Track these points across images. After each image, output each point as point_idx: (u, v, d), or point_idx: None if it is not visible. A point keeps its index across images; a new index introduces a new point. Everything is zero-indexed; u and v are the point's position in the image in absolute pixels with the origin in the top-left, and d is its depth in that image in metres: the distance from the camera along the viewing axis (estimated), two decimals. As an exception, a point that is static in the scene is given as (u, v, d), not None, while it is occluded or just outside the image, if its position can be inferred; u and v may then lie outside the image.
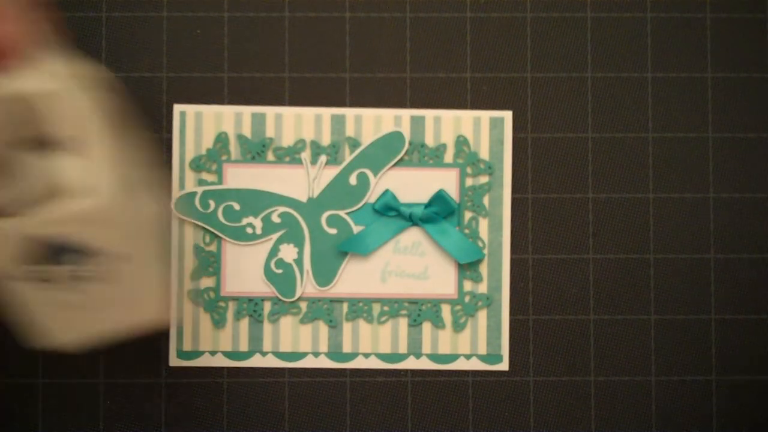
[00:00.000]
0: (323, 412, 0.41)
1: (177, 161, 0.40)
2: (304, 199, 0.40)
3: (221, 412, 0.41)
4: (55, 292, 0.29)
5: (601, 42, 0.42)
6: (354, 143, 0.41)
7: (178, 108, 0.41)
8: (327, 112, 0.41)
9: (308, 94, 0.41)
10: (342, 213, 0.41)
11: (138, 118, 0.41)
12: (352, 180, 0.41)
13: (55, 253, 0.28)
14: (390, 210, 0.40)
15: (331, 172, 0.41)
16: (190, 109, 0.41)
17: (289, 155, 0.41)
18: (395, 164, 0.41)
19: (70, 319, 0.31)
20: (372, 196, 0.41)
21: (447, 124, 0.41)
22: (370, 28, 0.41)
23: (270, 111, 0.41)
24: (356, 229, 0.41)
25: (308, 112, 0.41)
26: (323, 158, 0.41)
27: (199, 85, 0.41)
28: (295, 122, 0.41)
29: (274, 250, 0.40)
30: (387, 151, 0.41)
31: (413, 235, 0.41)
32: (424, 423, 0.41)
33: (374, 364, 0.41)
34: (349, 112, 0.41)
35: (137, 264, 0.30)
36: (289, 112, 0.41)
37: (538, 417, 0.41)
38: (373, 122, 0.41)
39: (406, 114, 0.41)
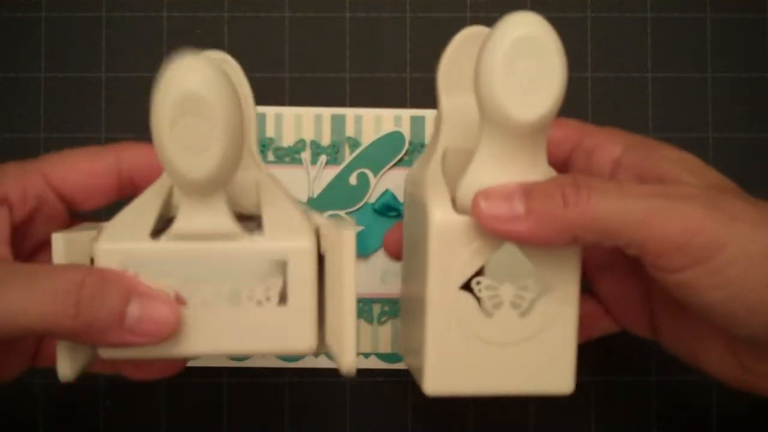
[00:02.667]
0: (323, 412, 0.41)
1: (177, 161, 0.40)
2: (304, 199, 0.40)
3: (221, 412, 0.41)
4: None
5: (601, 42, 0.42)
6: (354, 143, 0.41)
7: (178, 108, 0.41)
8: (327, 112, 0.41)
9: (308, 94, 0.41)
10: (342, 213, 0.41)
11: (138, 118, 0.41)
12: (352, 180, 0.41)
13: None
14: (390, 210, 0.40)
15: (331, 172, 0.41)
16: (190, 109, 0.41)
17: (289, 155, 0.41)
18: (395, 164, 0.41)
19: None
20: (372, 196, 0.41)
21: (447, 124, 0.41)
22: (370, 28, 0.41)
23: (270, 111, 0.41)
24: (356, 229, 0.41)
25: (308, 112, 0.41)
26: (323, 158, 0.41)
27: (199, 85, 0.41)
28: (295, 122, 0.41)
29: (274, 250, 0.40)
30: (387, 151, 0.41)
31: (413, 235, 0.41)
32: (424, 423, 0.41)
33: (374, 364, 0.41)
34: (349, 112, 0.41)
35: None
36: (289, 112, 0.41)
37: (538, 417, 0.41)
38: (373, 122, 0.41)
39: (406, 114, 0.41)
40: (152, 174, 0.29)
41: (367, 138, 0.41)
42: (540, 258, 0.27)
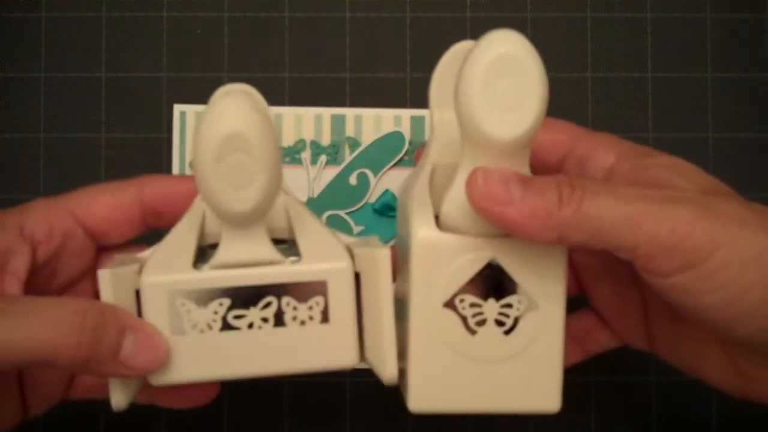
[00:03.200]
0: (323, 412, 0.41)
1: (177, 161, 0.40)
2: (304, 199, 0.40)
3: (221, 412, 0.41)
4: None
5: (601, 42, 0.42)
6: (354, 143, 0.41)
7: (178, 108, 0.41)
8: (327, 112, 0.41)
9: (308, 94, 0.41)
10: (342, 213, 0.41)
11: (138, 118, 0.41)
12: (352, 180, 0.41)
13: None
14: (390, 210, 0.40)
15: (331, 172, 0.41)
16: (190, 109, 0.41)
17: (289, 155, 0.41)
18: (395, 164, 0.41)
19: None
20: (372, 196, 0.41)
21: (447, 124, 0.41)
22: (370, 28, 0.41)
23: (270, 111, 0.41)
24: (356, 229, 0.41)
25: (308, 112, 0.41)
26: (323, 158, 0.41)
27: (199, 85, 0.41)
28: (295, 122, 0.41)
29: (274, 250, 0.40)
30: (387, 151, 0.41)
31: (413, 235, 0.41)
32: (424, 423, 0.41)
33: (374, 364, 0.40)
34: (349, 112, 0.41)
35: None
36: (289, 112, 0.41)
37: (538, 417, 0.41)
38: (373, 122, 0.41)
39: (406, 114, 0.41)
40: (174, 203, 0.31)
41: (367, 138, 0.41)
42: (525, 274, 0.27)
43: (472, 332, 0.27)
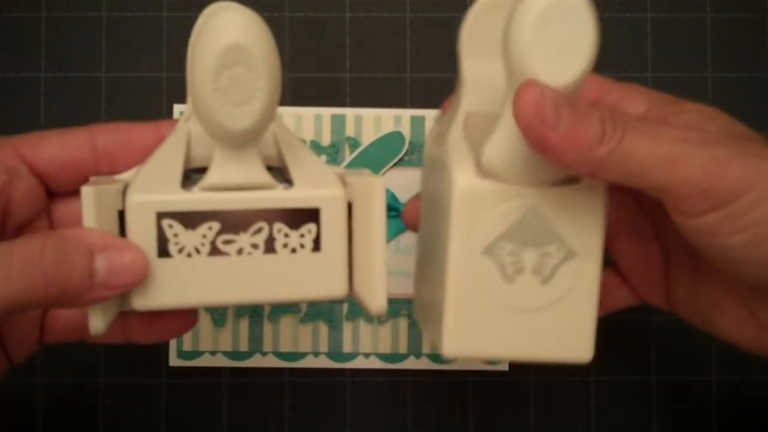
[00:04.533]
0: (323, 412, 0.41)
1: (177, 161, 0.40)
2: (304, 199, 0.40)
3: (221, 412, 0.41)
4: None
5: (601, 42, 0.41)
6: (354, 143, 0.41)
7: (178, 108, 0.41)
8: (327, 112, 0.41)
9: (308, 94, 0.41)
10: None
11: (138, 118, 0.41)
12: (352, 180, 0.41)
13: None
14: (390, 210, 0.40)
15: (331, 172, 0.41)
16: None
17: (289, 155, 0.41)
18: (395, 164, 0.41)
19: None
20: (372, 196, 0.41)
21: (447, 124, 0.41)
22: (370, 28, 0.41)
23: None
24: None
25: (308, 112, 0.41)
26: (323, 158, 0.41)
27: (199, 85, 0.41)
28: (295, 122, 0.41)
29: (274, 250, 0.40)
30: (387, 151, 0.41)
31: (413, 235, 0.41)
32: (424, 423, 0.41)
33: (374, 364, 0.41)
34: (349, 112, 0.41)
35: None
36: (289, 112, 0.41)
37: (538, 417, 0.41)
38: (373, 122, 0.41)
39: (406, 114, 0.41)
40: (131, 151, 0.29)
41: (367, 138, 0.41)
42: (565, 224, 0.27)
43: (509, 280, 0.27)
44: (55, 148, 0.29)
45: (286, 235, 0.26)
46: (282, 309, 0.41)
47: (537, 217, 0.27)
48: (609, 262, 0.33)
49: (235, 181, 0.26)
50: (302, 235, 0.26)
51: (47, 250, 0.24)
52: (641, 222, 0.31)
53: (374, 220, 0.25)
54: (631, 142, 0.25)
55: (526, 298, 0.28)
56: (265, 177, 0.26)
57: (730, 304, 0.29)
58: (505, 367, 0.41)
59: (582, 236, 0.27)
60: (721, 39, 0.42)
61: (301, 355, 0.40)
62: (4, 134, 0.41)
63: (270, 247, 0.26)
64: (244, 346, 0.40)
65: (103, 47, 0.41)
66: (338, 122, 0.41)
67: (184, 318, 0.30)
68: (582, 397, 0.41)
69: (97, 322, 0.25)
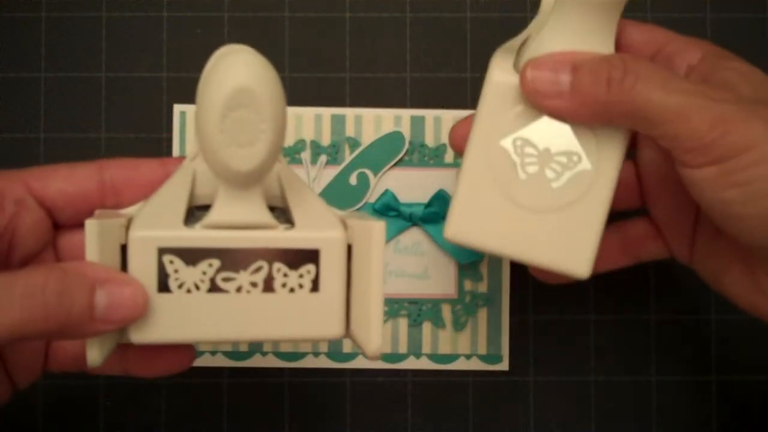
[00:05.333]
0: (323, 412, 0.41)
1: (177, 161, 0.40)
2: (304, 199, 0.40)
3: (221, 412, 0.41)
4: None
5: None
6: (354, 143, 0.41)
7: (178, 108, 0.41)
8: (327, 112, 0.41)
9: (308, 94, 0.41)
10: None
11: (138, 118, 0.41)
12: (352, 180, 0.41)
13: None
14: (390, 210, 0.40)
15: (331, 172, 0.41)
16: (190, 109, 0.41)
17: (289, 155, 0.41)
18: (395, 164, 0.41)
19: None
20: (372, 196, 0.41)
21: (447, 124, 0.41)
22: (370, 28, 0.41)
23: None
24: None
25: (308, 112, 0.41)
26: (323, 158, 0.41)
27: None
28: (295, 122, 0.41)
29: (274, 250, 0.40)
30: (387, 151, 0.41)
31: (413, 235, 0.41)
32: (424, 423, 0.41)
33: (374, 364, 0.41)
34: (349, 112, 0.41)
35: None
36: (289, 112, 0.41)
37: (538, 417, 0.41)
38: (373, 122, 0.41)
39: (406, 114, 0.41)
40: (137, 186, 0.30)
41: (367, 138, 0.41)
42: (586, 132, 0.28)
43: (522, 177, 0.29)
44: (62, 181, 0.30)
45: (285, 275, 0.26)
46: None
47: (560, 121, 0.28)
48: (645, 213, 0.34)
49: (237, 220, 0.26)
50: (301, 276, 0.26)
51: (49, 282, 0.24)
52: (680, 182, 0.32)
53: (372, 263, 0.26)
54: (642, 89, 0.26)
55: (535, 198, 0.29)
56: (267, 217, 0.26)
57: (735, 266, 0.30)
58: (505, 367, 0.41)
59: (602, 148, 0.28)
60: (721, 39, 0.42)
61: (301, 355, 0.40)
62: (4, 134, 0.41)
63: (269, 286, 0.26)
64: (244, 346, 0.40)
65: (103, 47, 0.41)
66: (338, 122, 0.41)
67: (182, 356, 0.30)
68: (582, 397, 0.41)
69: (95, 355, 0.25)
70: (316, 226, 0.27)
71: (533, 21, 0.32)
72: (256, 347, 0.40)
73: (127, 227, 0.26)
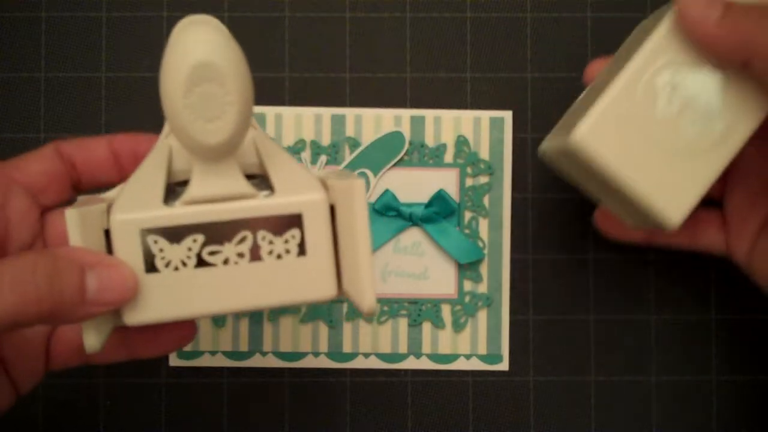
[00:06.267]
0: (323, 412, 0.41)
1: (177, 161, 0.40)
2: (304, 199, 0.40)
3: (221, 412, 0.41)
4: None
5: (601, 42, 0.42)
6: (354, 143, 0.41)
7: (178, 108, 0.41)
8: (327, 112, 0.41)
9: (308, 94, 0.41)
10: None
11: (138, 118, 0.41)
12: (352, 180, 0.41)
13: None
14: (390, 210, 0.40)
15: (331, 172, 0.41)
16: (190, 109, 0.41)
17: (289, 155, 0.41)
18: (395, 164, 0.41)
19: None
20: (372, 196, 0.41)
21: (447, 124, 0.41)
22: (370, 28, 0.41)
23: (270, 111, 0.41)
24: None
25: (308, 112, 0.41)
26: (323, 158, 0.41)
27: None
28: (295, 122, 0.41)
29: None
30: (387, 151, 0.41)
31: (413, 235, 0.41)
32: (424, 423, 0.41)
33: (374, 364, 0.41)
34: (349, 112, 0.41)
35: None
36: (289, 112, 0.41)
37: (538, 417, 0.41)
38: (373, 122, 0.41)
39: (406, 114, 0.41)
40: (88, 162, 0.31)
41: (367, 138, 0.41)
42: (734, 94, 0.30)
43: (660, 116, 0.31)
44: (37, 163, 0.30)
45: (271, 242, 0.26)
46: (282, 309, 0.41)
47: (713, 79, 0.31)
48: (717, 205, 0.36)
49: (216, 193, 0.26)
50: (287, 241, 0.26)
51: (39, 266, 0.24)
52: (763, 178, 0.34)
53: (357, 220, 0.26)
54: None
55: (664, 138, 0.30)
56: (245, 187, 0.26)
57: None
58: (505, 367, 0.41)
59: (740, 116, 0.31)
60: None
61: (301, 355, 0.40)
62: (4, 134, 0.41)
63: (255, 255, 0.26)
64: (244, 346, 0.40)
65: (103, 47, 0.41)
66: (338, 122, 0.41)
67: (184, 330, 0.31)
68: (582, 397, 0.41)
69: (92, 340, 0.25)
70: (296, 190, 0.26)
71: None
72: (256, 347, 0.40)
73: (108, 212, 0.26)
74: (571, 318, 0.41)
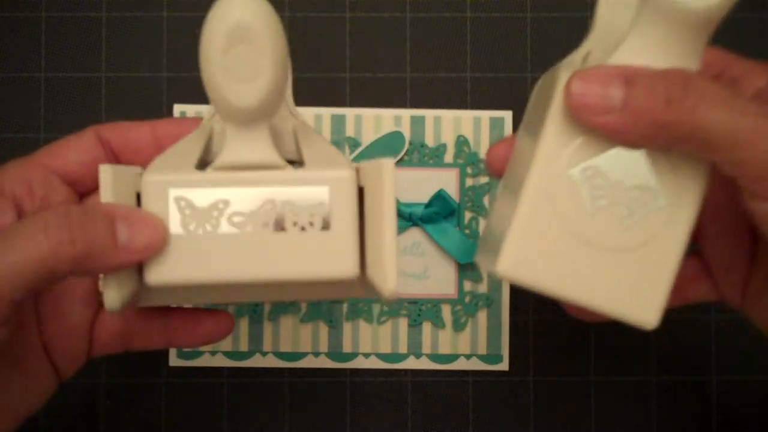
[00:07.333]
0: (323, 412, 0.41)
1: (177, 161, 0.40)
2: (304, 199, 0.40)
3: (221, 412, 0.41)
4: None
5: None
6: (354, 143, 0.41)
7: (178, 108, 0.41)
8: (327, 112, 0.41)
9: (308, 94, 0.41)
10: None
11: (138, 118, 0.41)
12: (352, 180, 0.41)
13: None
14: (390, 210, 0.40)
15: (331, 172, 0.41)
16: (190, 109, 0.41)
17: (289, 155, 0.41)
18: (395, 164, 0.41)
19: None
20: (372, 196, 0.41)
21: (447, 124, 0.41)
22: (370, 28, 0.41)
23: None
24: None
25: (308, 112, 0.41)
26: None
27: (199, 85, 0.41)
28: (295, 122, 0.41)
29: (274, 250, 0.40)
30: (387, 151, 0.41)
31: (413, 235, 0.41)
32: (424, 423, 0.41)
33: (374, 364, 0.41)
34: (349, 112, 0.41)
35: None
36: (289, 112, 0.41)
37: (538, 417, 0.41)
38: (373, 122, 0.41)
39: (406, 114, 0.41)
40: (129, 148, 0.31)
41: (367, 138, 0.41)
42: (663, 168, 0.26)
43: (590, 211, 0.26)
44: (76, 153, 0.30)
45: (296, 214, 0.26)
46: (282, 309, 0.41)
47: (637, 153, 0.26)
48: (694, 252, 0.31)
49: (246, 161, 0.26)
50: (312, 214, 0.26)
51: (72, 213, 0.25)
52: (737, 215, 0.29)
53: (384, 200, 0.26)
54: (707, 110, 0.23)
55: (602, 236, 0.26)
56: (275, 157, 0.27)
57: None
58: (505, 367, 0.41)
59: (680, 187, 0.26)
60: (720, 39, 0.41)
61: (301, 355, 0.40)
62: (4, 134, 0.41)
63: (279, 225, 0.26)
64: (244, 346, 0.40)
65: (103, 47, 0.41)
66: (338, 122, 0.41)
67: (222, 323, 0.31)
68: (582, 397, 0.41)
69: (112, 296, 0.26)
70: (325, 166, 0.27)
71: (590, 34, 0.30)
72: (256, 347, 0.40)
73: (141, 176, 0.27)
74: (571, 318, 0.41)
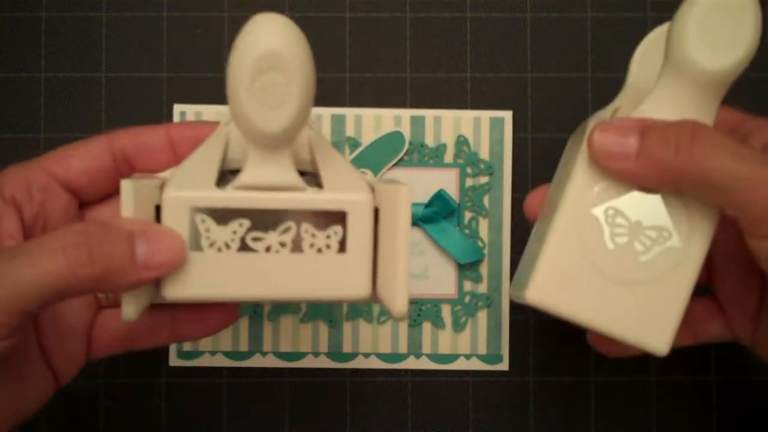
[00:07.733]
0: (323, 412, 0.41)
1: (177, 161, 0.40)
2: (304, 199, 0.40)
3: (221, 412, 0.41)
4: None
5: (601, 42, 0.42)
6: (354, 143, 0.41)
7: (178, 108, 0.41)
8: (327, 112, 0.41)
9: (308, 94, 0.41)
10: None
11: (138, 118, 0.41)
12: (352, 180, 0.41)
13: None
14: (390, 210, 0.40)
15: (331, 172, 0.41)
16: (190, 109, 0.41)
17: (289, 155, 0.41)
18: (395, 164, 0.41)
19: None
20: (372, 196, 0.41)
21: (447, 124, 0.41)
22: (370, 28, 0.41)
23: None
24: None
25: (308, 112, 0.41)
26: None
27: (199, 85, 0.41)
28: (295, 122, 0.41)
29: (274, 250, 0.40)
30: (387, 151, 0.41)
31: (413, 235, 0.41)
32: (424, 423, 0.41)
33: (374, 364, 0.41)
34: (349, 112, 0.41)
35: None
36: (289, 112, 0.41)
37: (538, 417, 0.41)
38: (373, 122, 0.41)
39: (406, 114, 0.41)
40: (144, 152, 0.31)
41: (367, 138, 0.41)
42: (679, 209, 0.29)
43: (611, 247, 0.29)
44: (81, 161, 0.30)
45: (313, 236, 0.27)
46: (282, 309, 0.41)
47: (654, 196, 0.29)
48: (708, 293, 0.33)
49: (267, 182, 0.27)
50: (329, 236, 0.27)
51: (90, 230, 0.25)
52: (749, 258, 0.31)
53: (399, 226, 0.26)
54: (711, 156, 0.26)
55: (621, 270, 0.29)
56: (296, 179, 0.27)
57: None
58: (505, 367, 0.41)
59: (693, 229, 0.29)
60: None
61: (301, 355, 0.40)
62: (4, 134, 0.41)
63: (297, 246, 0.27)
64: (244, 346, 0.40)
65: (103, 47, 0.41)
66: (338, 122, 0.41)
67: (228, 312, 0.31)
68: (582, 397, 0.41)
69: (130, 308, 0.26)
70: (344, 189, 0.27)
71: (622, 91, 0.33)
72: (256, 347, 0.40)
73: (161, 189, 0.27)
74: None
